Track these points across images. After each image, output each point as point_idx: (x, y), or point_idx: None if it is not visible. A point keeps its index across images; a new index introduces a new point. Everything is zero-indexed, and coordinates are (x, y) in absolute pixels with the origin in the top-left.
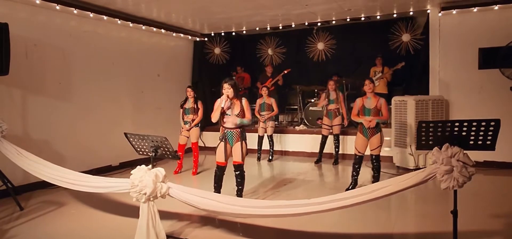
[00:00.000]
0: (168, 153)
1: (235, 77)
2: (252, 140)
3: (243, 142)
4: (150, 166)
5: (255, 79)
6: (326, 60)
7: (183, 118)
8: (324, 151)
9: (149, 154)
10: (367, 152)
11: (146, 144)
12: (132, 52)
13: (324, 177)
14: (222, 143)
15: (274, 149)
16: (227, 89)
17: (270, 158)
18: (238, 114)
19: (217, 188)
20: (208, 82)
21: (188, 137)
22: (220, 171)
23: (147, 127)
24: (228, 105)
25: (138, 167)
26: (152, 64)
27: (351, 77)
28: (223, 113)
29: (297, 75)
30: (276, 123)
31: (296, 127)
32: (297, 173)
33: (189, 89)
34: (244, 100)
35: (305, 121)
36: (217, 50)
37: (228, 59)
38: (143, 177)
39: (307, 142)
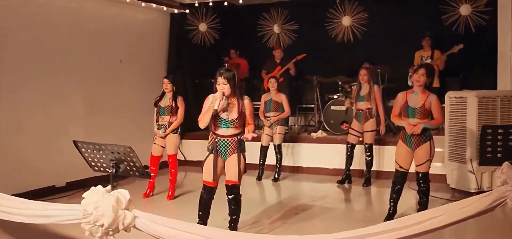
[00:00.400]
0: (134, 168)
1: (228, 65)
2: (251, 152)
3: (241, 154)
4: (109, 187)
5: (256, 66)
6: (355, 42)
7: (157, 121)
8: (351, 167)
9: (108, 170)
10: (413, 169)
11: (104, 157)
12: (83, 29)
13: (352, 203)
14: (212, 156)
15: (283, 163)
16: (223, 85)
17: (276, 176)
18: (235, 120)
19: (203, 217)
20: (189, 71)
21: (163, 147)
22: (207, 194)
23: (106, 133)
24: (223, 105)
25: (93, 188)
26: (112, 46)
27: (388, 65)
28: (215, 117)
29: (314, 62)
30: (286, 128)
31: (313, 134)
32: (313, 197)
33: (166, 81)
34: (246, 100)
35: (325, 125)
36: (202, 27)
37: (218, 39)
38: (100, 203)
39: (328, 155)
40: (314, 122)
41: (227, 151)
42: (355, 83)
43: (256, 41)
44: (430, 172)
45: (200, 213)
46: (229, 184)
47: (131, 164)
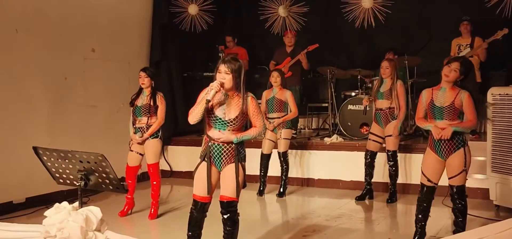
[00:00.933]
0: (107, 181)
1: (223, 56)
2: (251, 161)
3: (240, 164)
4: (76, 204)
5: (258, 57)
6: (377, 28)
7: (133, 123)
8: (372, 179)
9: (75, 183)
10: (444, 181)
11: (71, 167)
12: (48, 11)
13: (373, 223)
14: (204, 164)
15: (289, 175)
16: (225, 75)
17: (282, 190)
18: (233, 121)
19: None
20: (176, 63)
21: (142, 155)
22: (199, 211)
23: (73, 138)
24: (220, 99)
25: (57, 205)
26: (82, 35)
27: (419, 56)
28: (209, 114)
29: (328, 53)
30: (293, 132)
31: (326, 139)
32: (326, 216)
33: (143, 75)
34: (249, 97)
35: (341, 129)
36: (192, 9)
37: (212, 24)
38: (65, 223)
39: (344, 164)
40: (328, 124)
41: (222, 159)
42: (377, 77)
43: (258, 27)
44: (468, 185)
45: (190, 233)
46: (225, 200)
47: (104, 175)
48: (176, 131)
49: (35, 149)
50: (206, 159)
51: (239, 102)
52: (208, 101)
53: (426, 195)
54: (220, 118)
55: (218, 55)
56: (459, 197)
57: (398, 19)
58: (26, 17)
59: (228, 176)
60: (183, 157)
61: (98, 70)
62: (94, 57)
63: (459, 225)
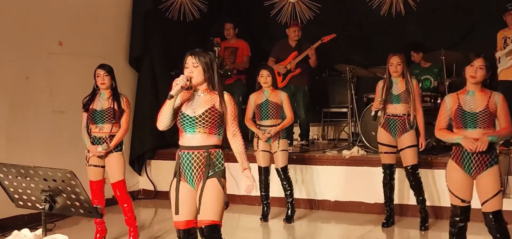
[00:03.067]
0: (77, 204)
1: (220, 50)
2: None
3: (219, 179)
4: (40, 231)
5: (261, 52)
6: (406, 17)
7: (89, 132)
8: (394, 201)
9: (38, 205)
10: (476, 202)
11: (33, 186)
12: (2, 3)
13: None
14: (174, 181)
15: (297, 196)
16: (193, 67)
17: (289, 213)
18: (202, 118)
19: None
20: (162, 58)
21: (103, 167)
22: None
23: (37, 150)
24: (187, 97)
25: (16, 232)
26: (49, 23)
27: (458, 50)
28: (177, 114)
29: (346, 47)
30: (304, 142)
31: (345, 152)
32: None
33: (101, 73)
34: (227, 96)
35: (364, 139)
36: None
37: (205, 12)
38: None
39: (367, 183)
40: (347, 134)
41: (193, 173)
42: (382, 78)
43: (262, 16)
44: (504, 208)
45: None
46: (204, 225)
47: (73, 196)
48: (161, 143)
49: None
50: (177, 175)
51: (211, 99)
52: (171, 96)
53: (461, 217)
54: (188, 115)
55: (214, 50)
56: (498, 224)
57: (433, 5)
58: None
59: (204, 194)
60: (169, 173)
61: (67, 68)
62: (62, 52)
63: None
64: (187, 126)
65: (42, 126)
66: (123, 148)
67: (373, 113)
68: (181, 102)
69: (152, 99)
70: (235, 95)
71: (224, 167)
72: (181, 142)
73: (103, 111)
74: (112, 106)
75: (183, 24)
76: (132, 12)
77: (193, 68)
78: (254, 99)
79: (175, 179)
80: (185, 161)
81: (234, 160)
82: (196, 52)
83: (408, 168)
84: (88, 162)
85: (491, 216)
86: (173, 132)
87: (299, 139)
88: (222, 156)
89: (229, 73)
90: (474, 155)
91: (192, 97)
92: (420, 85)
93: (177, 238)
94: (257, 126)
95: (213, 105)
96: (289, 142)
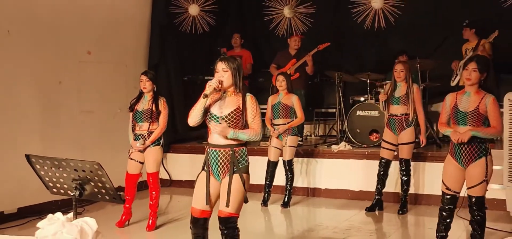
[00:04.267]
0: (103, 191)
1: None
2: (255, 169)
3: (241, 175)
4: (71, 215)
5: (261, 60)
6: (388, 29)
7: (133, 130)
8: (384, 189)
9: (70, 192)
10: (464, 191)
11: (65, 176)
12: (41, 12)
13: (384, 236)
14: (204, 174)
15: (295, 184)
16: (223, 72)
17: (286, 200)
18: (229, 117)
19: None
20: (176, 65)
21: (142, 163)
22: (197, 227)
23: (68, 145)
24: (217, 97)
25: (50, 216)
26: (78, 35)
27: (431, 59)
28: (207, 113)
29: (336, 55)
30: (299, 139)
31: (334, 146)
32: (334, 228)
33: (144, 79)
34: (249, 97)
35: (350, 136)
36: (193, 10)
37: (214, 25)
38: (59, 234)
39: (353, 173)
40: (336, 131)
41: (219, 167)
42: (387, 81)
43: (262, 28)
44: (487, 196)
45: None
46: (223, 216)
47: (100, 184)
48: (176, 138)
49: (28, 157)
50: (205, 168)
51: (237, 100)
52: (205, 96)
53: (449, 204)
54: (215, 115)
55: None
56: (478, 209)
57: (410, 20)
58: (19, 17)
59: (226, 188)
60: (183, 165)
61: (94, 73)
62: (90, 60)
63: (477, 238)
64: (214, 123)
65: (72, 124)
66: (161, 143)
67: (381, 105)
68: (210, 103)
69: (167, 101)
70: (246, 97)
71: (248, 163)
72: (210, 140)
73: (143, 112)
74: (150, 107)
75: (194, 36)
76: (150, 26)
77: (223, 72)
78: (270, 101)
79: (205, 172)
80: (213, 157)
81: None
82: (226, 58)
83: (402, 160)
84: (130, 156)
85: (474, 200)
86: (186, 130)
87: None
88: (246, 153)
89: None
90: (463, 147)
91: (220, 99)
92: None
93: (191, 226)
94: (272, 124)
95: (239, 106)
96: (300, 139)
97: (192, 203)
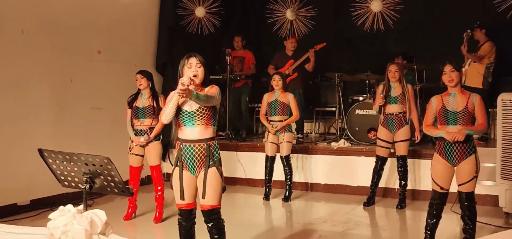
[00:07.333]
0: (112, 184)
1: (230, 58)
2: (256, 164)
3: (218, 167)
4: (81, 207)
5: (265, 61)
6: (386, 32)
7: (133, 126)
8: (382, 184)
9: (80, 186)
10: (454, 188)
11: (76, 169)
12: (54, 13)
13: (380, 229)
14: (177, 170)
15: (294, 180)
16: (198, 68)
17: (287, 194)
18: (200, 111)
19: None
20: None
21: (142, 156)
22: (185, 219)
23: (79, 140)
24: (189, 95)
25: (61, 207)
26: (89, 34)
27: (428, 60)
28: (178, 110)
29: (336, 57)
30: (300, 136)
31: (333, 144)
32: (333, 222)
33: (139, 77)
34: (211, 87)
35: (349, 133)
36: (199, 12)
37: (219, 27)
38: (70, 226)
39: (352, 169)
40: (335, 129)
41: (194, 162)
42: (382, 82)
43: (266, 30)
44: (477, 192)
45: None
46: (205, 209)
47: (109, 178)
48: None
49: (40, 151)
50: (178, 163)
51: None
52: (182, 91)
53: (438, 201)
54: (187, 111)
55: (225, 58)
56: (469, 204)
57: (407, 23)
58: (32, 18)
59: (206, 183)
60: None
61: (104, 72)
62: (100, 59)
63: (468, 232)
64: (186, 120)
65: (83, 120)
66: (161, 138)
67: (377, 108)
68: (181, 100)
69: None
70: (243, 96)
71: (220, 156)
72: (181, 135)
73: (144, 108)
74: (152, 104)
75: (200, 37)
76: (159, 27)
77: (197, 67)
78: (266, 98)
79: (178, 168)
80: (187, 152)
81: (243, 150)
82: (196, 54)
83: (400, 157)
84: (130, 151)
85: (464, 196)
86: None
87: (295, 132)
88: (218, 147)
89: (238, 78)
90: (455, 146)
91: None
92: None
93: (179, 220)
94: (268, 121)
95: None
96: (301, 136)
97: (176, 199)
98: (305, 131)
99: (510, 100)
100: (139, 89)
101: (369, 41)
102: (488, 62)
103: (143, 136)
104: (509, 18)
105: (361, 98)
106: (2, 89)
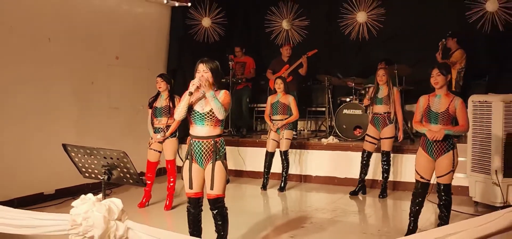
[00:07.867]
0: (128, 175)
1: (233, 64)
2: (256, 158)
3: (222, 161)
4: (100, 196)
5: (263, 65)
6: (370, 40)
7: (152, 124)
8: (366, 176)
9: (99, 177)
10: (433, 179)
11: (96, 162)
12: (77, 23)
13: (365, 216)
14: (187, 163)
15: (290, 172)
16: (204, 73)
17: (283, 185)
18: (211, 113)
19: (195, 235)
20: (191, 70)
21: (160, 152)
22: (193, 207)
23: (98, 136)
24: (198, 96)
25: (83, 196)
26: (108, 42)
27: (407, 66)
28: (189, 111)
29: (326, 62)
30: (294, 133)
31: (323, 140)
32: (322, 209)
33: (159, 80)
34: (223, 91)
35: (337, 131)
36: (206, 22)
37: (223, 35)
38: (90, 213)
39: (339, 163)
40: (325, 126)
41: (202, 156)
42: (370, 85)
43: (264, 38)
44: (452, 183)
45: (191, 230)
46: (211, 198)
47: (125, 170)
48: (188, 131)
49: (64, 146)
50: (188, 157)
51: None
52: (190, 93)
53: (420, 191)
54: (198, 112)
55: (229, 64)
56: (445, 194)
57: (392, 32)
58: (58, 27)
59: (210, 174)
60: None
61: (121, 75)
62: (117, 64)
63: (444, 219)
64: (197, 119)
65: (101, 118)
66: (177, 135)
67: (364, 107)
68: (194, 102)
69: None
70: (244, 97)
71: (225, 151)
72: (192, 132)
73: (162, 108)
74: (168, 104)
75: (206, 45)
76: (169, 35)
77: (204, 73)
78: (270, 100)
79: (188, 161)
80: (196, 147)
81: (244, 145)
82: (206, 60)
83: (384, 152)
84: (150, 146)
85: (442, 187)
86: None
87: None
88: (224, 142)
89: (240, 81)
90: (434, 142)
91: (201, 97)
92: None
93: (188, 207)
94: (271, 120)
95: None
96: (295, 133)
97: (185, 190)
98: (298, 129)
99: (479, 101)
100: (159, 91)
101: (355, 49)
102: (459, 67)
103: (160, 133)
104: (478, 28)
105: (348, 99)
106: (31, 90)
